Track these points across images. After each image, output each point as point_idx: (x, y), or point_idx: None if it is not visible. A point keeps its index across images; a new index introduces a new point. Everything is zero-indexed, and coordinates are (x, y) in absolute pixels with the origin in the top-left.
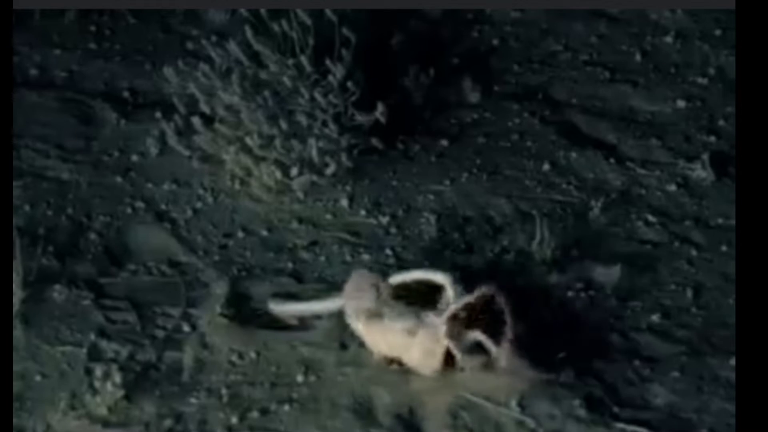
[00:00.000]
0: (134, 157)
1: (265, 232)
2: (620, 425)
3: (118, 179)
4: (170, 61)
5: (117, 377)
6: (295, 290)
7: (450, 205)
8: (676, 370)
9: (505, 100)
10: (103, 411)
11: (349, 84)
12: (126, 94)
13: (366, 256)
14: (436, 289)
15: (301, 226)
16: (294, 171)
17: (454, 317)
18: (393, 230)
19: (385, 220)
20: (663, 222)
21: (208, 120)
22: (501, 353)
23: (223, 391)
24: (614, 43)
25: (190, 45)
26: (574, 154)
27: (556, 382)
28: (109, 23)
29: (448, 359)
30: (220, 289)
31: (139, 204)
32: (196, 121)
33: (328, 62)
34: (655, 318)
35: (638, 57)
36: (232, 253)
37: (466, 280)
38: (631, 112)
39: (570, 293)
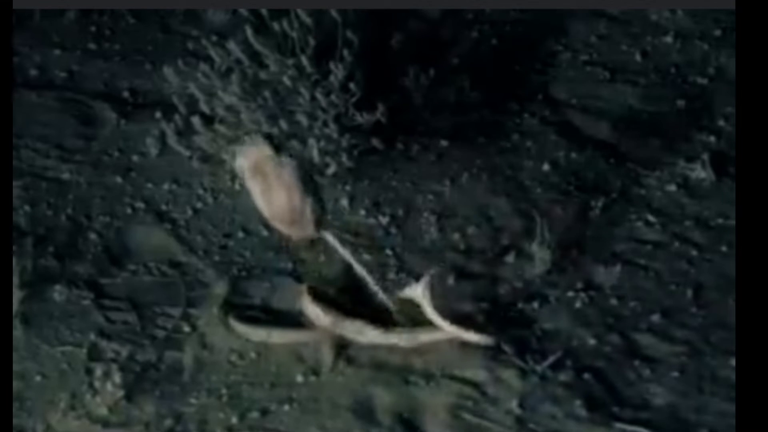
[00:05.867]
0: (134, 157)
1: (265, 232)
2: (620, 425)
3: (118, 179)
4: (170, 61)
5: (117, 377)
6: (295, 290)
7: (450, 205)
8: (676, 370)
9: (505, 100)
10: (103, 411)
11: (350, 84)
12: (126, 94)
13: (366, 256)
14: None
15: None
16: None
17: None
18: (393, 230)
19: (385, 220)
20: (663, 222)
21: (208, 120)
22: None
23: (223, 391)
24: (614, 43)
25: (190, 45)
26: (574, 154)
27: (556, 381)
28: (109, 23)
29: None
30: (220, 289)
31: (139, 204)
32: (196, 121)
33: (329, 62)
34: (655, 318)
35: (638, 57)
36: (232, 253)
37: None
38: (631, 112)
39: (570, 293)
